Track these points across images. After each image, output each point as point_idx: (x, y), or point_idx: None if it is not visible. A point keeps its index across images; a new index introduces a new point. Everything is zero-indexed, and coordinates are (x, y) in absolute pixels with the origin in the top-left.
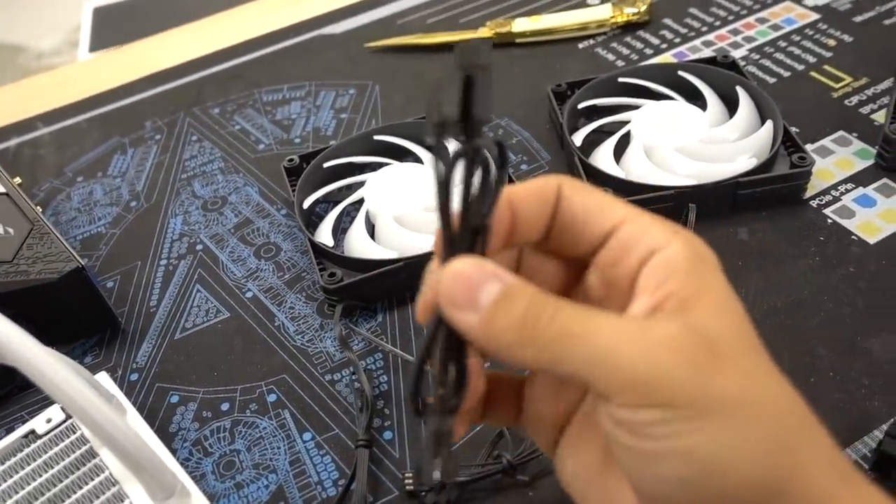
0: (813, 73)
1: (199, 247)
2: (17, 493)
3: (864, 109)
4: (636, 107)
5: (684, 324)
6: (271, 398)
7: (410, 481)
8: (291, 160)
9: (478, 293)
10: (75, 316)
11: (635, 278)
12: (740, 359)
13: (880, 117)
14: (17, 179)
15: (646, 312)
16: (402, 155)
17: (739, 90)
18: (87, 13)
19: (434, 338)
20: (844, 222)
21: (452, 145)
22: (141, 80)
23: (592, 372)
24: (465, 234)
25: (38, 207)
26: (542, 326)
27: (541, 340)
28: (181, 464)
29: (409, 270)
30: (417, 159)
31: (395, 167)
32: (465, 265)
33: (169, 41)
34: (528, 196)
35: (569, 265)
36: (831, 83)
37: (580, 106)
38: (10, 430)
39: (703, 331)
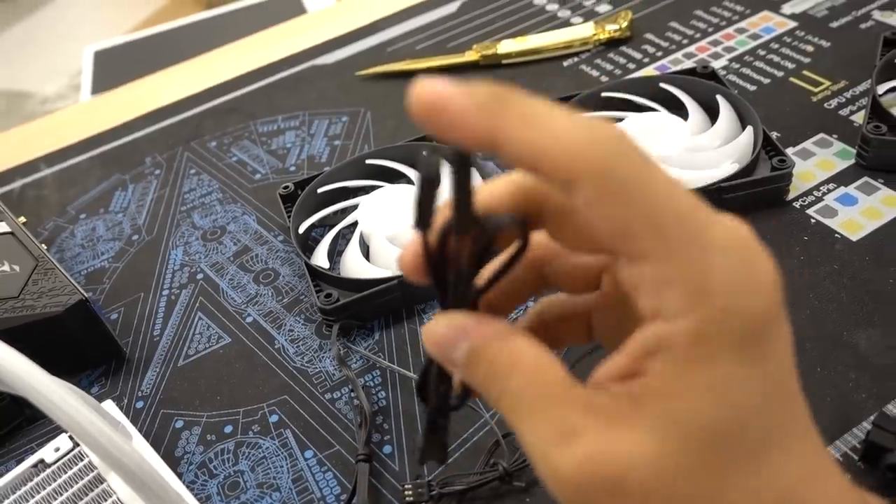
0: (792, 79)
1: (199, 276)
2: None
3: (844, 111)
4: (620, 119)
5: (587, 459)
6: (273, 419)
7: (410, 493)
8: (286, 187)
9: (452, 353)
10: (81, 347)
11: (636, 323)
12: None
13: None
14: (22, 219)
15: (615, 376)
16: (394, 177)
17: (719, 98)
18: (87, 57)
19: (428, 368)
20: (827, 221)
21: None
22: (139, 118)
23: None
24: (456, 296)
25: (43, 245)
26: (493, 400)
27: (498, 409)
28: (187, 486)
29: (404, 288)
30: (409, 181)
31: (386, 189)
32: (436, 329)
33: (166, 79)
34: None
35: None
36: (811, 88)
37: None
38: (20, 461)
39: (617, 463)
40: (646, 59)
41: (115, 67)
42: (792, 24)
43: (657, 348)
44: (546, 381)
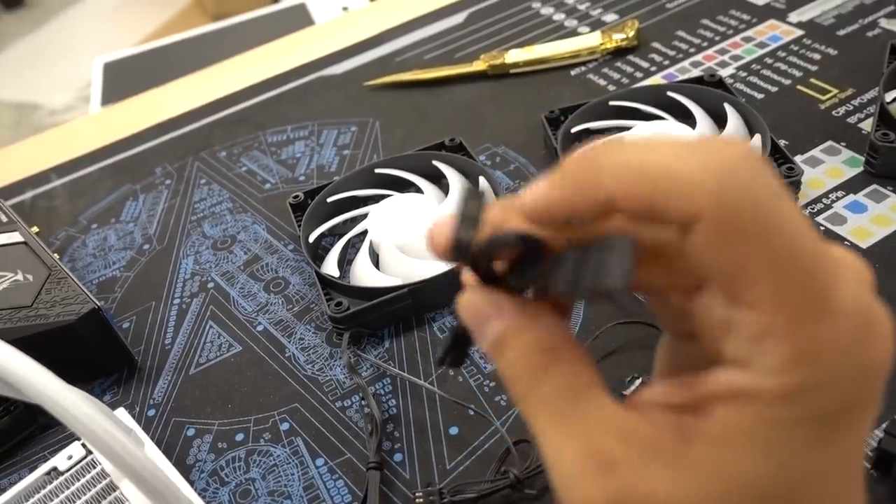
0: (800, 87)
1: (210, 285)
2: None
3: (852, 119)
4: (627, 128)
5: (619, 494)
6: (284, 427)
7: (421, 500)
8: (296, 197)
9: (484, 329)
10: (93, 356)
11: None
12: None
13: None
14: (35, 228)
15: (668, 404)
16: (403, 186)
17: (727, 107)
18: (97, 69)
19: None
20: (837, 229)
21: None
22: (150, 129)
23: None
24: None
25: (55, 254)
26: (517, 398)
27: (519, 407)
28: (199, 494)
29: (414, 296)
30: (418, 190)
31: (396, 198)
32: (473, 297)
33: (176, 90)
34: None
35: None
36: (818, 95)
37: (573, 130)
38: (33, 469)
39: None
40: (653, 68)
41: (124, 79)
42: (799, 32)
43: (732, 395)
44: (584, 392)
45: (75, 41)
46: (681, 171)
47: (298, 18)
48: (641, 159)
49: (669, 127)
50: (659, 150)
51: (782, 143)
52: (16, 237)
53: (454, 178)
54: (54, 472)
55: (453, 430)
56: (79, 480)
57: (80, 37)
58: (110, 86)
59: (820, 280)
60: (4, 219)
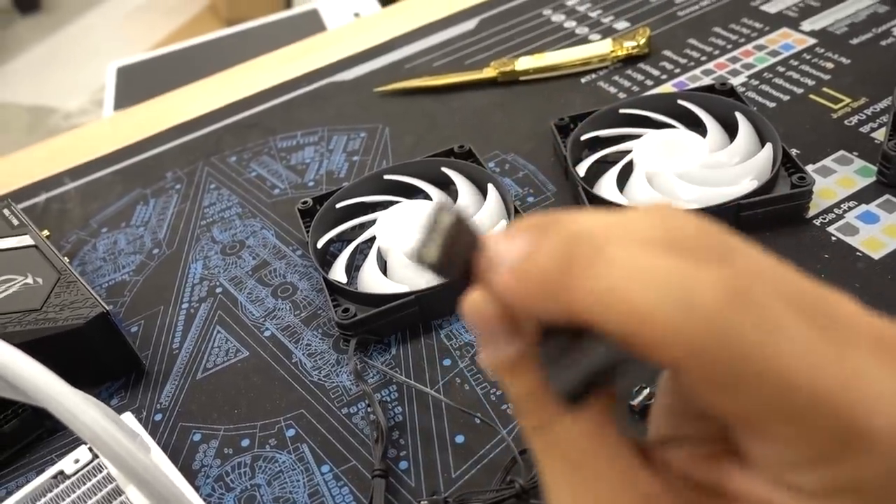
0: (812, 96)
1: (218, 290)
2: None
3: (864, 129)
4: (638, 136)
5: None
6: (290, 433)
7: None
8: (305, 202)
9: (497, 345)
10: (101, 360)
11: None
12: None
13: (880, 135)
14: (46, 232)
15: (696, 483)
16: (412, 193)
17: (738, 115)
18: (111, 73)
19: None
20: (848, 239)
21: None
22: (161, 134)
23: None
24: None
25: (66, 258)
26: (527, 429)
27: (526, 439)
28: (204, 499)
29: (421, 303)
30: (427, 196)
31: (404, 205)
32: (486, 302)
33: (188, 95)
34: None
35: None
36: (830, 104)
37: (583, 138)
38: (40, 472)
39: None
40: (664, 76)
41: (137, 83)
42: (811, 41)
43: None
44: (604, 439)
45: (90, 46)
46: (657, 316)
47: (310, 24)
48: (621, 292)
49: (680, 135)
50: (639, 280)
51: (794, 152)
52: (26, 240)
53: (463, 185)
54: (61, 476)
55: (459, 439)
56: (85, 484)
57: (94, 41)
58: (124, 90)
59: (842, 407)
60: (16, 222)
